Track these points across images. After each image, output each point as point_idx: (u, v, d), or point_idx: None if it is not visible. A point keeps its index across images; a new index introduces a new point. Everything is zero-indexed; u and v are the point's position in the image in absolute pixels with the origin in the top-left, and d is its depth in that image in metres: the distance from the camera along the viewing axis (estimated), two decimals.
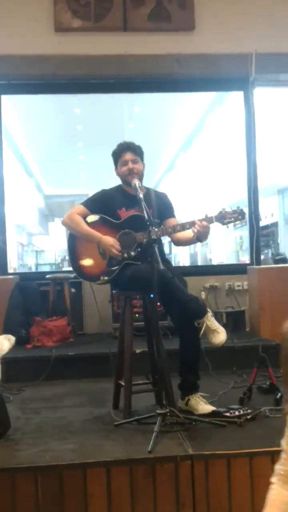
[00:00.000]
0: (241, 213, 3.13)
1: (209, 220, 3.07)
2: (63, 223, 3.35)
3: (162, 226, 3.22)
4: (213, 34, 5.37)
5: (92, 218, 3.28)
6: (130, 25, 5.28)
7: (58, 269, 12.29)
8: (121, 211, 3.26)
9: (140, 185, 3.16)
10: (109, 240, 3.16)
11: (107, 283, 3.34)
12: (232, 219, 3.11)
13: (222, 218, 3.10)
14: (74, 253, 3.31)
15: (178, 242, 3.33)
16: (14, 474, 2.33)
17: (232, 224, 3.15)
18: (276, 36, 5.40)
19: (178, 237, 3.26)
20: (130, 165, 3.23)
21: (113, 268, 3.17)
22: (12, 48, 5.16)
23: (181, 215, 3.47)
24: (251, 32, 5.37)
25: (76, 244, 3.30)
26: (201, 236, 3.10)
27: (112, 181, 3.51)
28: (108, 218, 3.26)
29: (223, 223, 3.11)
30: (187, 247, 13.04)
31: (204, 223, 3.04)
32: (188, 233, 3.18)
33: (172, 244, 3.47)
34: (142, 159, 3.31)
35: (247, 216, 5.77)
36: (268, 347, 4.24)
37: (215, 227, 3.13)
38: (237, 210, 3.13)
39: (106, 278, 3.20)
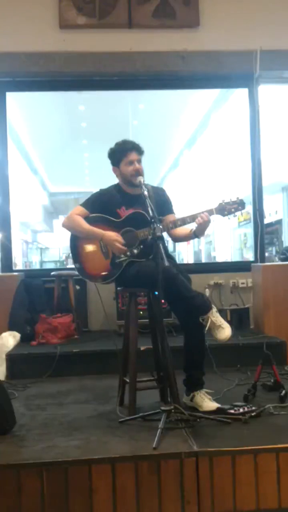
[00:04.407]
0: (241, 203, 3.11)
1: (209, 212, 3.06)
2: (64, 225, 3.33)
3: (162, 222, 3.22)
4: (218, 31, 5.36)
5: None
6: (135, 22, 5.27)
7: (63, 266, 12.29)
8: (120, 210, 3.26)
9: (144, 181, 3.16)
10: (112, 235, 3.16)
11: (112, 281, 3.35)
12: (233, 209, 3.09)
13: (223, 209, 3.09)
14: (76, 255, 3.30)
15: (175, 238, 3.33)
16: (19, 470, 2.34)
17: (232, 215, 3.12)
18: (281, 33, 5.39)
19: (176, 233, 3.26)
20: (137, 165, 3.22)
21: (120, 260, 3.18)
22: (17, 45, 5.17)
23: (185, 212, 3.47)
24: (255, 29, 5.36)
25: (78, 246, 3.30)
26: (198, 231, 3.10)
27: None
28: (109, 217, 3.26)
29: (224, 215, 3.10)
30: (191, 245, 13.05)
31: (205, 214, 3.03)
32: (185, 229, 3.19)
33: (171, 240, 3.46)
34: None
35: (251, 213, 5.79)
36: (273, 344, 4.24)
37: (216, 220, 3.12)
38: (237, 200, 3.11)
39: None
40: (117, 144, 3.31)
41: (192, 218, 3.07)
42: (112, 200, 3.29)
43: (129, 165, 3.23)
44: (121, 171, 3.28)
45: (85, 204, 3.32)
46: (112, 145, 3.34)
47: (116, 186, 3.37)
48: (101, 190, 3.40)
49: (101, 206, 3.29)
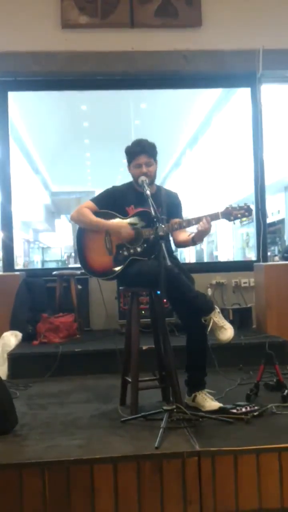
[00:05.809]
0: (248, 209, 3.10)
1: (215, 216, 3.05)
2: (72, 218, 3.35)
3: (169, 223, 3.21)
4: (220, 30, 5.35)
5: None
6: (137, 21, 5.27)
7: (64, 266, 12.31)
8: (129, 208, 3.25)
9: (147, 182, 3.15)
10: (117, 222, 3.17)
11: (114, 279, 3.35)
12: (239, 215, 3.08)
13: (229, 214, 3.07)
14: (82, 250, 3.31)
15: (177, 244, 3.32)
16: (21, 470, 2.34)
17: (238, 220, 3.12)
18: (284, 32, 5.38)
19: (178, 238, 3.25)
20: (144, 169, 3.20)
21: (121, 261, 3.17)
22: (19, 45, 5.17)
23: (187, 212, 3.46)
24: (258, 28, 5.36)
25: (84, 241, 3.30)
26: (196, 237, 3.09)
27: (118, 177, 3.50)
28: (116, 214, 3.25)
29: (230, 219, 3.08)
30: None
31: (208, 219, 3.02)
32: (184, 235, 3.18)
33: (175, 246, 3.46)
34: (155, 159, 3.29)
35: (254, 213, 5.78)
36: (275, 344, 4.24)
37: (221, 223, 3.11)
38: (244, 206, 3.10)
39: (117, 269, 3.18)
40: (131, 144, 3.31)
41: (197, 221, 3.05)
42: (123, 198, 3.30)
43: (137, 168, 3.24)
44: (131, 171, 3.30)
45: (95, 199, 3.33)
46: (117, 144, 3.35)
47: (130, 184, 3.37)
48: (114, 187, 3.40)
49: (111, 202, 3.29)
